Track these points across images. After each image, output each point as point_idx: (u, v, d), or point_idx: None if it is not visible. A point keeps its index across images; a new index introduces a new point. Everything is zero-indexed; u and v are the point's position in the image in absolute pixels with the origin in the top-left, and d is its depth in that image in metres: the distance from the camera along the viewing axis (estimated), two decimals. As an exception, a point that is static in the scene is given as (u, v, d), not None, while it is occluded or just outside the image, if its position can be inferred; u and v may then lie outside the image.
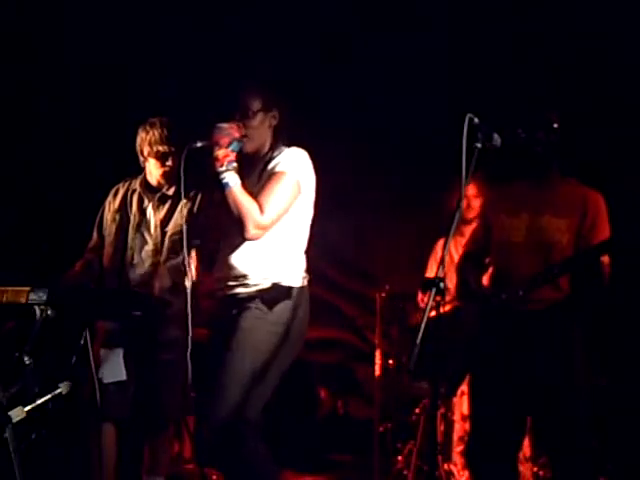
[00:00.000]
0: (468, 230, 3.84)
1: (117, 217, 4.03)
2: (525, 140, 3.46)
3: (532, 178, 3.58)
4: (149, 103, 5.01)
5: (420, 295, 4.76)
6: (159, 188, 4.00)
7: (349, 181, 5.25)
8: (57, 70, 5.24)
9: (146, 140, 3.95)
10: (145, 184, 4.04)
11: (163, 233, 3.96)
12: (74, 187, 5.17)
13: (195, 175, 3.57)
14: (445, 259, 2.85)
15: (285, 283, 3.40)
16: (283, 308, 3.38)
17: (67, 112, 5.22)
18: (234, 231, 3.37)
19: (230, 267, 3.42)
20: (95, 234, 4.11)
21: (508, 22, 4.93)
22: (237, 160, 3.35)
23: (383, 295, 5.23)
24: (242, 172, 3.39)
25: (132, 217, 4.01)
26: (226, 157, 3.31)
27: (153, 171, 3.99)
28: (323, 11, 5.08)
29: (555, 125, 3.48)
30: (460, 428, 4.60)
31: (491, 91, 4.85)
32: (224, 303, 3.46)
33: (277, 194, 3.36)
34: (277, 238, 3.41)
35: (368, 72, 5.25)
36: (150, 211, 4.01)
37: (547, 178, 3.55)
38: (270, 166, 3.43)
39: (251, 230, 3.31)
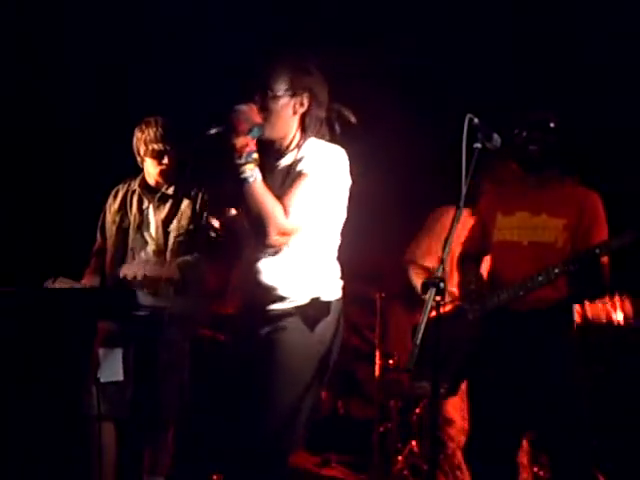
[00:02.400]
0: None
1: (117, 218, 4.04)
2: (522, 140, 3.46)
3: (529, 177, 3.58)
4: (149, 103, 5.01)
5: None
6: (158, 188, 4.00)
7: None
8: (57, 70, 5.23)
9: (142, 139, 3.96)
10: (144, 184, 4.04)
11: (166, 233, 3.96)
12: (74, 187, 5.16)
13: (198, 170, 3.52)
14: (446, 259, 2.85)
15: (325, 297, 3.01)
16: (325, 327, 2.99)
17: (67, 112, 5.21)
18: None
19: (259, 281, 3.00)
20: (99, 236, 4.12)
21: (507, 21, 4.92)
22: (258, 150, 2.89)
23: (383, 295, 5.23)
24: (264, 167, 2.94)
25: (132, 218, 4.02)
26: (245, 147, 2.84)
27: (150, 170, 4.00)
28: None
29: (552, 125, 3.49)
30: (441, 434, 4.54)
31: (489, 91, 4.85)
32: (252, 318, 3.05)
33: (304, 197, 2.90)
34: (311, 245, 3.01)
35: (368, 69, 5.24)
36: (150, 211, 4.01)
37: (544, 177, 3.55)
38: (298, 166, 2.96)
39: (273, 235, 2.87)
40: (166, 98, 4.90)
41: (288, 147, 3.05)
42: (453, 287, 3.76)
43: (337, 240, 3.13)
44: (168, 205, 3.99)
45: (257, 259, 3.02)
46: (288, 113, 3.00)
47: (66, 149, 5.23)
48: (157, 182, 3.99)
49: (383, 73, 5.21)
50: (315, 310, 3.00)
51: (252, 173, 2.85)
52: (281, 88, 2.96)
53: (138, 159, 4.02)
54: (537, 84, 4.72)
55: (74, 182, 5.16)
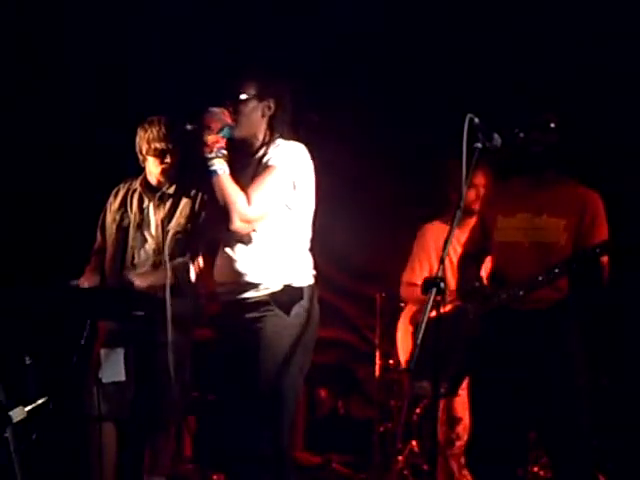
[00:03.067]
0: (471, 222, 3.82)
1: (117, 217, 4.03)
2: (522, 140, 3.46)
3: (530, 177, 3.58)
4: (149, 103, 5.01)
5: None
6: (159, 187, 4.00)
7: (348, 180, 5.24)
8: (57, 70, 5.23)
9: (144, 138, 3.96)
10: (145, 184, 4.04)
11: (165, 232, 3.96)
12: (74, 187, 5.16)
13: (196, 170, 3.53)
14: (445, 258, 2.85)
15: (296, 284, 3.28)
16: (298, 311, 3.26)
17: (67, 112, 5.21)
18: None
19: (234, 269, 3.29)
20: (99, 236, 4.12)
21: (507, 21, 4.92)
22: (227, 149, 3.22)
23: (383, 295, 5.23)
24: (234, 165, 3.26)
25: (132, 217, 4.01)
26: (216, 143, 3.17)
27: (152, 169, 3.99)
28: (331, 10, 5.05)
29: (552, 125, 3.49)
30: (448, 432, 4.55)
31: (489, 91, 4.85)
32: (231, 307, 3.34)
33: (266, 187, 3.21)
34: (279, 235, 3.29)
35: (370, 72, 5.24)
36: (151, 210, 4.00)
37: (545, 178, 3.55)
38: (265, 161, 3.28)
39: (236, 222, 3.17)
40: (166, 98, 4.91)
41: (258, 147, 3.34)
42: (453, 287, 3.76)
43: (308, 232, 3.38)
44: (168, 204, 3.99)
45: (229, 250, 3.30)
46: (257, 116, 3.32)
47: (66, 149, 5.22)
48: (159, 181, 3.99)
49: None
50: (288, 296, 3.26)
51: (220, 166, 3.17)
52: (250, 93, 3.29)
53: (140, 158, 4.02)
54: (537, 84, 4.72)
55: (74, 182, 5.16)
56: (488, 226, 3.63)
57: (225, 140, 3.21)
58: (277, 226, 3.28)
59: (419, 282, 4.38)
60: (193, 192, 3.98)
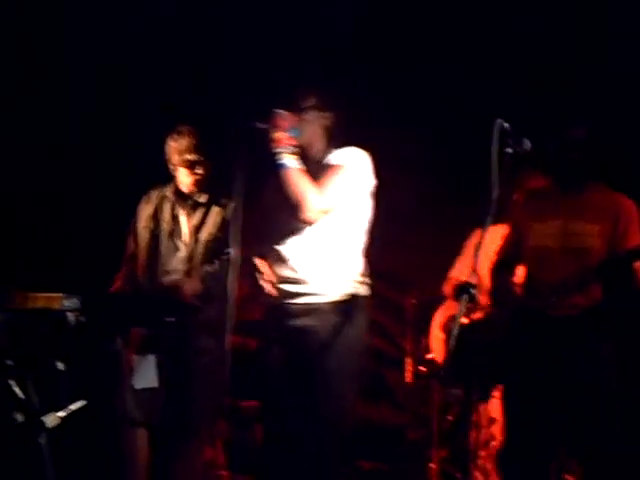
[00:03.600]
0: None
1: (150, 225, 4.05)
2: (555, 152, 3.46)
3: (562, 183, 3.57)
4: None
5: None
6: (191, 195, 4.02)
7: (378, 186, 5.23)
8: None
9: (175, 149, 3.97)
10: (177, 191, 4.06)
11: (196, 240, 3.97)
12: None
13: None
14: (477, 265, 2.85)
15: (359, 293, 3.35)
16: (362, 321, 3.34)
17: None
18: (295, 230, 3.31)
19: (294, 272, 3.34)
20: (131, 242, 4.12)
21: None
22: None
23: (413, 302, 5.22)
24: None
25: (164, 224, 4.03)
26: (285, 139, 3.27)
27: (183, 179, 4.01)
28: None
29: (584, 136, 3.48)
30: (486, 432, 4.55)
31: (522, 98, 4.83)
32: (288, 312, 3.37)
33: (335, 182, 3.28)
34: (341, 240, 3.35)
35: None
36: (183, 218, 4.02)
37: (578, 184, 3.54)
38: (329, 162, 3.36)
39: (309, 210, 3.22)
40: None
41: (315, 155, 3.42)
42: (485, 294, 3.75)
43: (364, 239, 3.41)
44: (200, 212, 4.01)
45: (291, 254, 3.34)
46: (317, 125, 3.43)
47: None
48: (191, 190, 4.01)
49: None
50: (352, 305, 3.30)
51: (290, 160, 3.26)
52: (312, 103, 3.40)
53: (170, 167, 4.03)
54: (567, 93, 4.69)
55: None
56: (522, 234, 3.62)
57: (294, 139, 3.31)
58: (340, 230, 3.34)
59: (462, 279, 4.42)
60: (224, 200, 4.00)
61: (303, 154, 3.38)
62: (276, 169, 3.27)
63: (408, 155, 5.25)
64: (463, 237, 4.74)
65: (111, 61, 5.21)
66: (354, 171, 3.33)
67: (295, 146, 3.30)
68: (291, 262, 3.34)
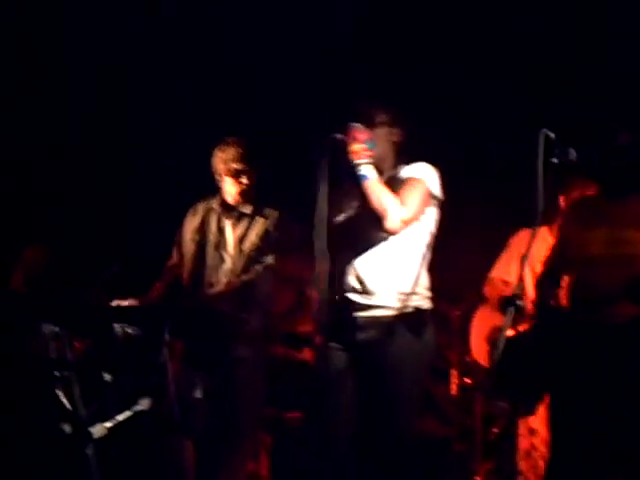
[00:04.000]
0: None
1: (196, 237, 4.08)
2: (600, 161, 3.44)
3: (608, 191, 3.54)
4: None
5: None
6: (236, 206, 4.04)
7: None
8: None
9: (222, 158, 4.00)
10: (222, 203, 4.08)
11: (240, 251, 3.99)
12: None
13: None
14: (524, 276, 2.83)
15: (425, 306, 3.39)
16: (430, 336, 3.37)
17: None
18: (365, 240, 3.35)
19: (362, 283, 3.37)
20: (175, 253, 4.16)
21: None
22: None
23: (459, 313, 5.18)
24: None
25: (211, 236, 4.05)
26: (363, 151, 3.30)
27: (229, 189, 4.03)
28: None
29: (629, 144, 3.45)
30: (526, 442, 4.50)
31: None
32: (354, 324, 3.38)
33: (414, 193, 3.32)
34: (410, 254, 3.39)
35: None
36: (228, 229, 4.05)
37: (623, 191, 3.51)
38: (404, 175, 3.40)
39: (393, 219, 3.25)
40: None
41: (385, 170, 3.43)
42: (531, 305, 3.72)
43: (429, 253, 3.45)
44: (244, 223, 4.03)
45: (359, 265, 3.37)
46: (388, 141, 3.45)
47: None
48: (236, 201, 4.03)
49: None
50: (420, 319, 3.35)
51: (370, 171, 3.29)
52: (382, 118, 3.42)
53: (216, 177, 4.06)
54: (613, 95, 4.64)
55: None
56: (568, 242, 3.59)
57: (372, 151, 3.33)
58: (409, 243, 3.37)
59: (506, 278, 4.39)
60: (267, 211, 4.02)
61: (376, 168, 3.41)
62: (356, 181, 3.31)
63: (460, 168, 5.22)
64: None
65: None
66: (430, 185, 3.37)
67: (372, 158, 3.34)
68: (360, 273, 3.36)
